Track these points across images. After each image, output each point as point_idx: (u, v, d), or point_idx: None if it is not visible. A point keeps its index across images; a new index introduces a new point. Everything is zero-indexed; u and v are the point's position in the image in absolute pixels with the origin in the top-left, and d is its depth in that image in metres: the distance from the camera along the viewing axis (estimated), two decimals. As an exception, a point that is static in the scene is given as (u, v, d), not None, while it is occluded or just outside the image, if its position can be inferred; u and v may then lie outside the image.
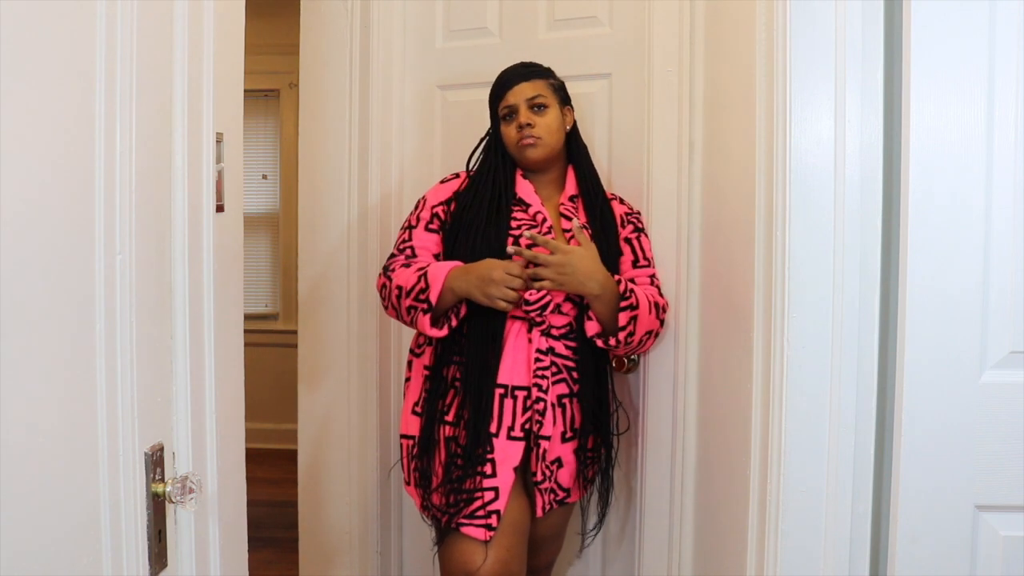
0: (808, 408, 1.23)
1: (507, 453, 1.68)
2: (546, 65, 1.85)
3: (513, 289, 1.62)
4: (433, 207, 1.80)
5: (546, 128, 1.76)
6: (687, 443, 1.86)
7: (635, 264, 1.82)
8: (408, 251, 1.78)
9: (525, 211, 1.76)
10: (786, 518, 1.25)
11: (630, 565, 2.01)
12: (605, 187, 1.89)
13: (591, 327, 1.71)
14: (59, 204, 0.73)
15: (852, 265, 1.22)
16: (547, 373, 1.71)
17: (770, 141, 1.27)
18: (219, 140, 1.00)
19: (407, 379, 1.84)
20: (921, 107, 1.15)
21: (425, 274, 1.67)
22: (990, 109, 1.13)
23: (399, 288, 1.71)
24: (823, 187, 1.21)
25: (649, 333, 1.76)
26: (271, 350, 4.19)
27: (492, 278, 1.61)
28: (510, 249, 1.66)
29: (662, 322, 1.79)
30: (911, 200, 1.15)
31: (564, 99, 1.83)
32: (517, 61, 1.85)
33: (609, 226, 1.79)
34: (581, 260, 1.64)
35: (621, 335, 1.69)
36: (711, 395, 1.74)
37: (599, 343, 1.73)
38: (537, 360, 1.70)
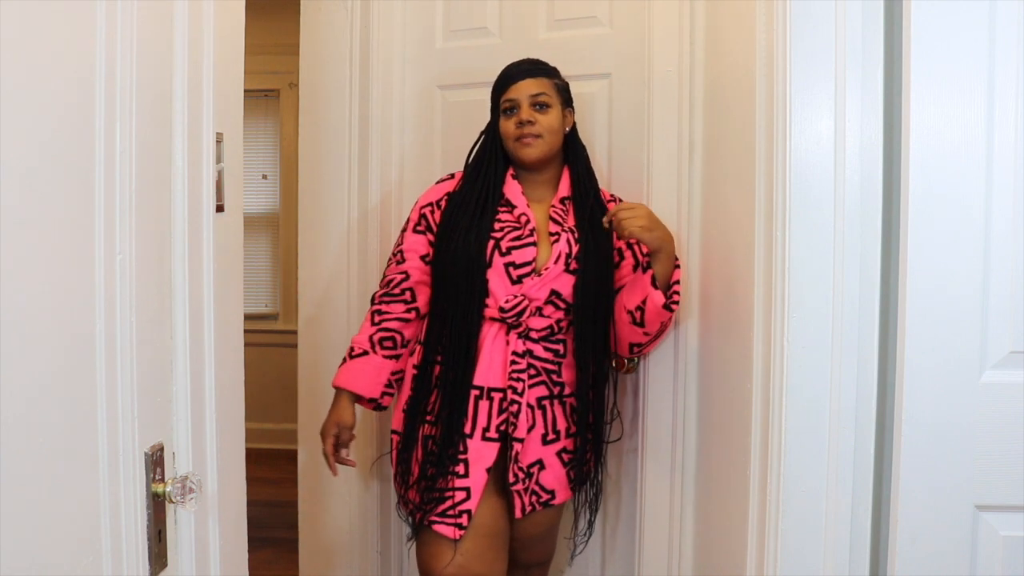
0: (808, 408, 1.23)
1: (481, 454, 1.69)
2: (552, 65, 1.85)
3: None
4: (421, 208, 1.83)
5: (546, 127, 1.75)
6: (687, 443, 1.86)
7: (636, 268, 1.81)
8: (399, 255, 1.83)
9: (511, 212, 1.76)
10: (786, 518, 1.25)
11: (630, 565, 2.01)
12: (605, 188, 1.89)
13: (657, 297, 1.67)
14: (59, 204, 0.73)
15: (852, 265, 1.22)
16: (523, 376, 1.71)
17: (770, 141, 1.27)
18: (219, 140, 1.00)
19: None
20: (921, 107, 1.15)
21: (348, 354, 1.80)
22: (990, 109, 1.13)
23: (355, 343, 1.81)
24: (823, 187, 1.21)
25: (664, 324, 1.75)
26: (271, 350, 4.19)
27: (324, 429, 1.81)
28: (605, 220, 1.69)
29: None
30: (911, 200, 1.15)
31: (567, 100, 1.82)
32: (517, 61, 1.85)
33: (599, 229, 1.77)
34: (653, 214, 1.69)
35: (676, 294, 1.69)
36: (711, 395, 1.74)
37: (637, 336, 1.74)
38: (513, 363, 1.71)
